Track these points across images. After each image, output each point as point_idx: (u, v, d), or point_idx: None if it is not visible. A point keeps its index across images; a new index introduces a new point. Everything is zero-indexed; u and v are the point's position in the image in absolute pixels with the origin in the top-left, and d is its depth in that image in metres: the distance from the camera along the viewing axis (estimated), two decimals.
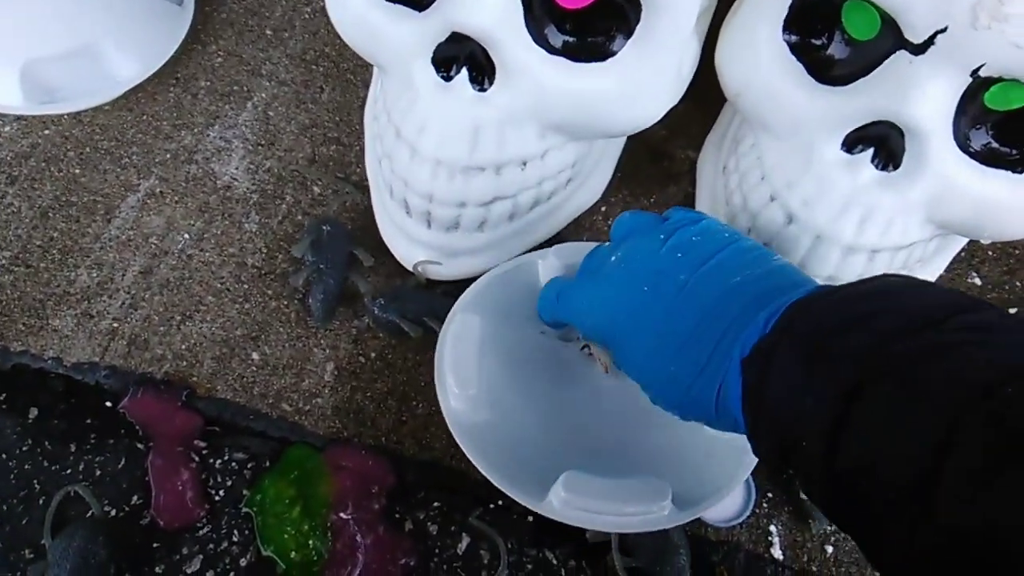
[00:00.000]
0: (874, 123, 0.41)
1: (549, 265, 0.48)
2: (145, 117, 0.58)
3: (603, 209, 0.57)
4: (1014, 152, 0.41)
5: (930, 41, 0.38)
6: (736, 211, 0.49)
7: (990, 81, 0.38)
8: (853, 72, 0.42)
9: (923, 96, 0.39)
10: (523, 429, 0.44)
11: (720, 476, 0.43)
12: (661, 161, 0.59)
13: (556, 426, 0.45)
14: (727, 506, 0.47)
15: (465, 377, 0.43)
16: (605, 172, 0.56)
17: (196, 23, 0.62)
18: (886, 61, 0.40)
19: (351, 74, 0.61)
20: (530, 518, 0.47)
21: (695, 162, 0.58)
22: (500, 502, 0.48)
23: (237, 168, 0.56)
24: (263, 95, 0.59)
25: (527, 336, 0.48)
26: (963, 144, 0.41)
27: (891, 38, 0.40)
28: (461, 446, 0.41)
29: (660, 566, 0.45)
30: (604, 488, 0.40)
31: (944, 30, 0.37)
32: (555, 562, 0.46)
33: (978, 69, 0.38)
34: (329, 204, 0.55)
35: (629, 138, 0.57)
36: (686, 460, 0.44)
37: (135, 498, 0.46)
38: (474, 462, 0.41)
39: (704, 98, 0.50)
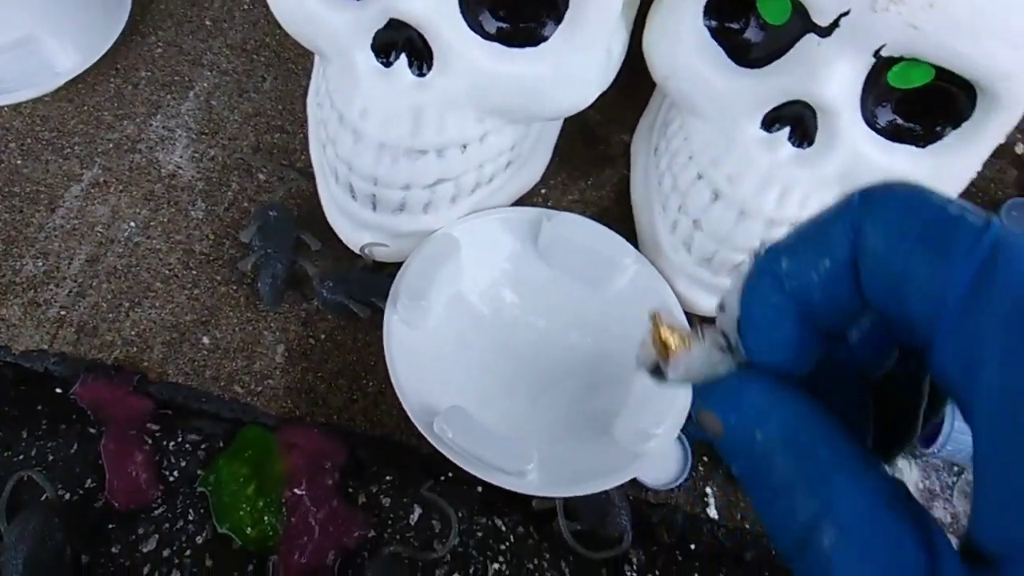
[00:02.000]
0: (789, 103, 0.44)
1: (552, 228, 0.51)
2: (86, 108, 0.58)
3: (543, 191, 0.59)
4: (916, 128, 0.45)
5: (835, 24, 0.41)
6: (667, 191, 0.52)
7: (892, 61, 0.41)
8: (768, 55, 0.45)
9: (831, 76, 0.42)
10: (452, 359, 0.48)
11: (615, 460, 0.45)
12: (597, 145, 0.61)
13: (489, 371, 0.49)
14: (665, 470, 0.50)
15: (419, 288, 0.47)
16: (543, 155, 0.58)
17: (135, 14, 0.62)
18: (797, 44, 0.43)
19: (292, 63, 0.62)
20: (479, 488, 0.49)
21: (629, 145, 0.60)
22: (450, 474, 0.50)
23: (181, 157, 0.57)
24: (205, 85, 0.60)
25: (494, 283, 0.52)
26: (870, 121, 0.44)
27: (801, 22, 0.42)
28: (387, 358, 0.46)
29: (603, 527, 0.47)
30: (477, 434, 0.43)
31: (847, 13, 0.40)
32: (504, 529, 0.48)
33: (880, 49, 0.41)
34: (275, 191, 0.56)
35: (566, 123, 0.59)
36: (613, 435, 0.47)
37: (89, 481, 0.47)
38: (390, 372, 0.45)
39: (636, 84, 0.53)
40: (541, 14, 0.44)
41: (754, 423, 0.19)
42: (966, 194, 0.62)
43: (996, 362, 0.16)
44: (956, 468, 0.52)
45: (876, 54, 0.41)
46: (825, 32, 0.41)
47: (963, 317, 0.16)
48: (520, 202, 0.57)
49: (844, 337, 0.21)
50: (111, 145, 0.57)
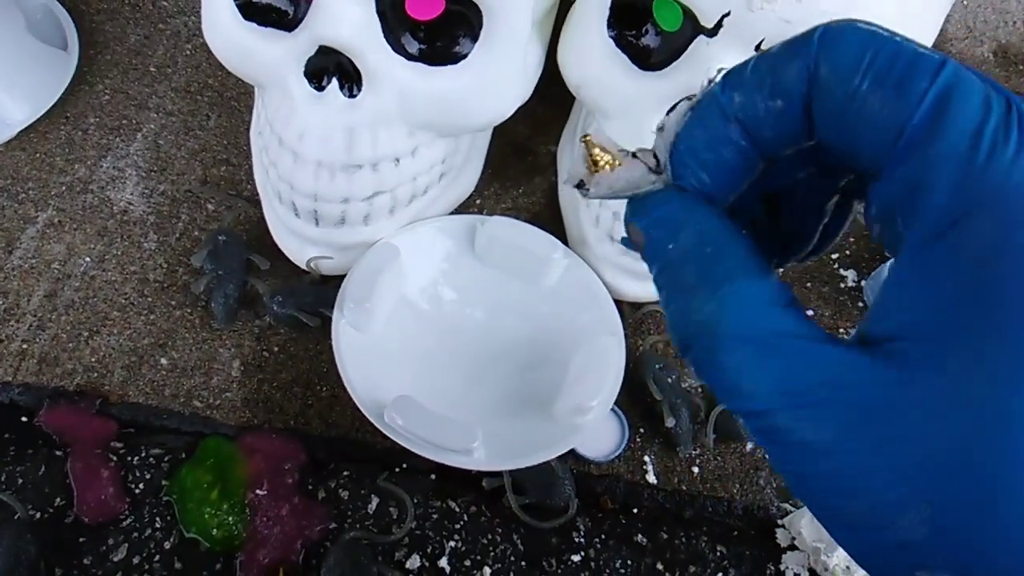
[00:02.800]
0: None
1: (487, 231, 0.56)
2: (38, 155, 0.61)
3: (478, 201, 0.63)
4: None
5: (719, 24, 0.46)
6: None
7: None
8: (667, 58, 0.50)
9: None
10: (398, 355, 0.52)
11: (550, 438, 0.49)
12: (526, 156, 0.66)
13: (433, 361, 0.53)
14: (605, 443, 0.53)
15: (363, 292, 0.51)
16: (475, 167, 0.62)
17: (82, 65, 0.66)
18: (690, 46, 0.48)
19: (235, 101, 0.65)
20: (433, 476, 0.52)
21: (555, 154, 0.65)
22: (404, 465, 0.53)
23: (132, 194, 0.60)
24: (152, 126, 0.63)
25: (434, 283, 0.57)
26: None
27: (691, 26, 0.47)
28: (337, 359, 0.49)
29: (549, 498, 0.50)
30: (424, 419, 0.47)
31: (728, 14, 0.45)
32: (457, 510, 0.51)
33: (759, 44, 0.46)
34: (223, 218, 0.59)
35: (496, 136, 0.63)
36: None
37: (58, 500, 0.49)
38: (340, 371, 0.49)
39: (559, 99, 0.58)
40: (458, 34, 0.49)
41: (668, 235, 0.21)
42: None
43: (945, 187, 0.18)
44: None
45: (757, 48, 0.46)
46: (711, 33, 0.46)
47: (916, 148, 0.18)
48: (456, 212, 0.61)
49: (775, 161, 0.22)
50: (64, 188, 0.60)
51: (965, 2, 0.78)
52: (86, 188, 0.60)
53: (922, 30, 0.48)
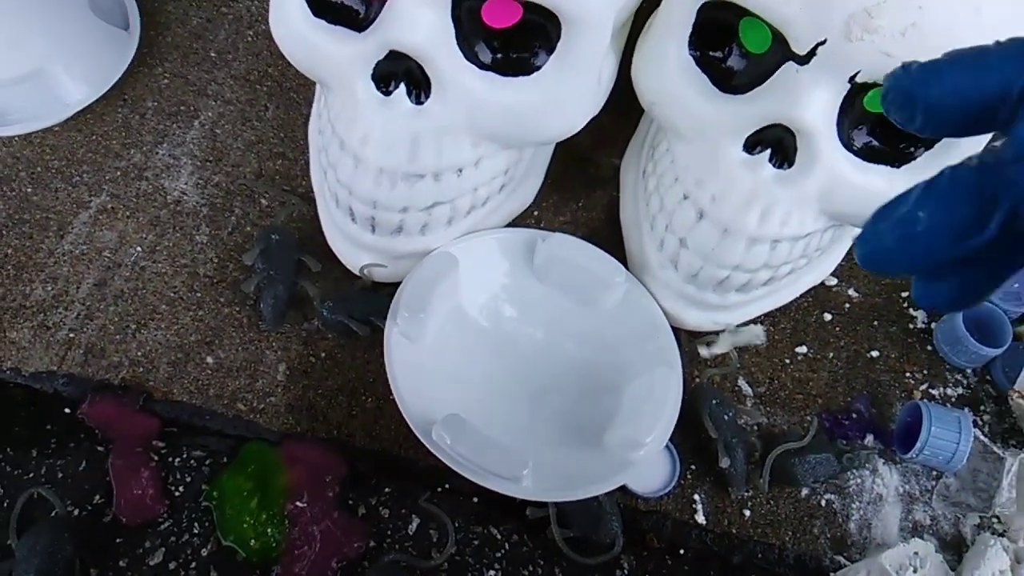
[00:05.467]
0: (770, 126, 0.46)
1: (547, 248, 0.54)
2: (95, 137, 0.60)
3: (536, 213, 0.61)
4: (891, 149, 0.47)
5: (812, 52, 0.43)
6: (655, 211, 0.54)
7: (867, 86, 0.44)
8: (750, 82, 0.47)
9: (809, 101, 0.44)
10: (451, 370, 0.51)
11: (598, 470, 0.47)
12: (588, 168, 0.64)
13: (486, 380, 0.52)
14: (654, 478, 0.51)
15: (418, 302, 0.49)
16: (536, 179, 0.60)
17: (143, 47, 0.64)
18: (777, 71, 0.46)
19: (294, 92, 0.64)
20: (475, 499, 0.51)
21: (619, 168, 0.63)
22: (447, 485, 0.51)
23: (186, 183, 0.59)
24: (209, 114, 0.62)
25: (492, 298, 0.55)
26: (847, 143, 0.46)
27: (780, 51, 0.45)
28: (388, 369, 0.48)
29: (595, 533, 0.49)
30: (474, 441, 0.45)
31: (824, 42, 0.42)
32: (499, 537, 0.49)
33: (855, 76, 0.43)
34: (277, 215, 0.58)
35: (558, 147, 0.61)
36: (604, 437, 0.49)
37: (97, 497, 0.48)
38: (391, 383, 0.47)
39: (625, 109, 0.55)
40: (534, 45, 0.47)
41: None
42: None
43: None
44: (935, 473, 0.54)
45: (851, 80, 0.43)
46: (803, 60, 0.44)
47: None
48: (514, 223, 0.59)
49: None
50: (118, 173, 0.59)
51: None
52: (141, 175, 0.59)
53: None
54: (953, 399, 0.57)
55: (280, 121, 0.63)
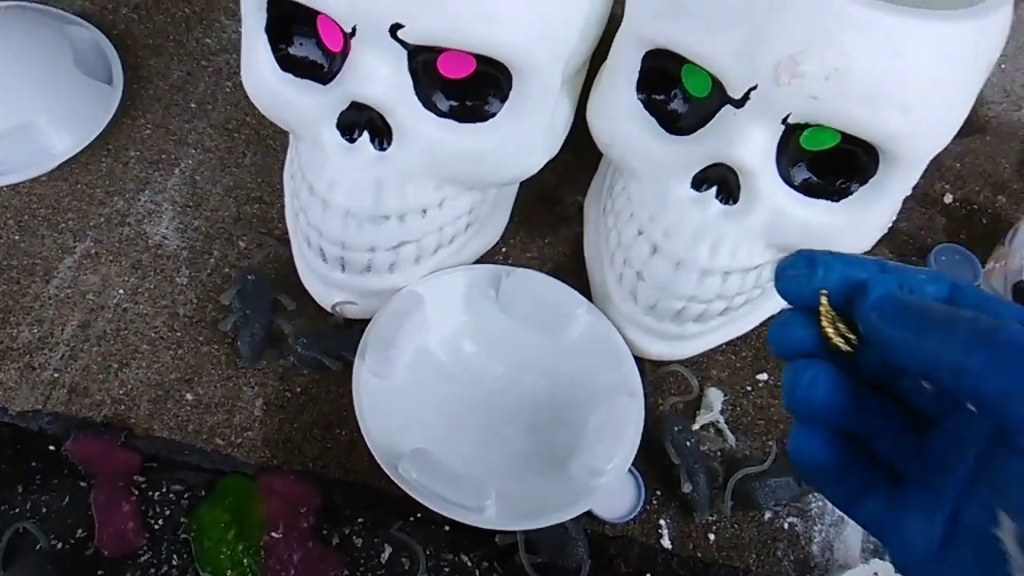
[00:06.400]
0: (714, 165, 0.49)
1: (511, 283, 0.56)
2: (79, 186, 0.63)
3: (503, 250, 0.64)
4: (830, 184, 0.50)
5: (746, 96, 0.46)
6: (614, 246, 0.57)
7: (800, 126, 0.47)
8: (693, 124, 0.50)
9: (746, 141, 0.47)
10: (417, 406, 0.53)
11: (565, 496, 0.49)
12: (553, 206, 0.66)
13: (450, 414, 0.54)
14: (620, 504, 0.53)
15: (385, 340, 0.51)
16: (502, 217, 0.63)
17: (126, 99, 0.67)
18: (717, 114, 0.48)
19: (271, 140, 0.67)
20: (447, 527, 0.53)
21: (583, 205, 0.65)
22: (419, 515, 0.53)
23: (167, 228, 0.62)
24: (190, 161, 0.65)
25: (455, 334, 0.57)
26: (787, 179, 0.49)
27: (719, 95, 0.48)
28: (356, 406, 0.50)
29: (561, 559, 0.50)
30: (438, 473, 0.47)
31: (756, 87, 0.45)
32: (470, 564, 0.51)
33: (786, 117, 0.46)
34: (254, 256, 0.61)
35: (524, 186, 0.64)
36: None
37: (80, 531, 0.50)
38: (359, 419, 0.50)
39: (588, 149, 0.58)
40: (488, 94, 0.49)
41: None
42: (900, 243, 0.67)
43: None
44: None
45: (784, 121, 0.46)
46: (739, 103, 0.46)
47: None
48: (482, 260, 0.62)
49: None
50: (102, 219, 0.62)
51: (1003, 66, 0.78)
52: (123, 220, 0.62)
53: (956, 98, 0.47)
54: None
55: (257, 167, 0.65)
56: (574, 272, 0.62)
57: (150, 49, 0.71)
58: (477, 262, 0.61)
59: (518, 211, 0.64)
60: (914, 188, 0.70)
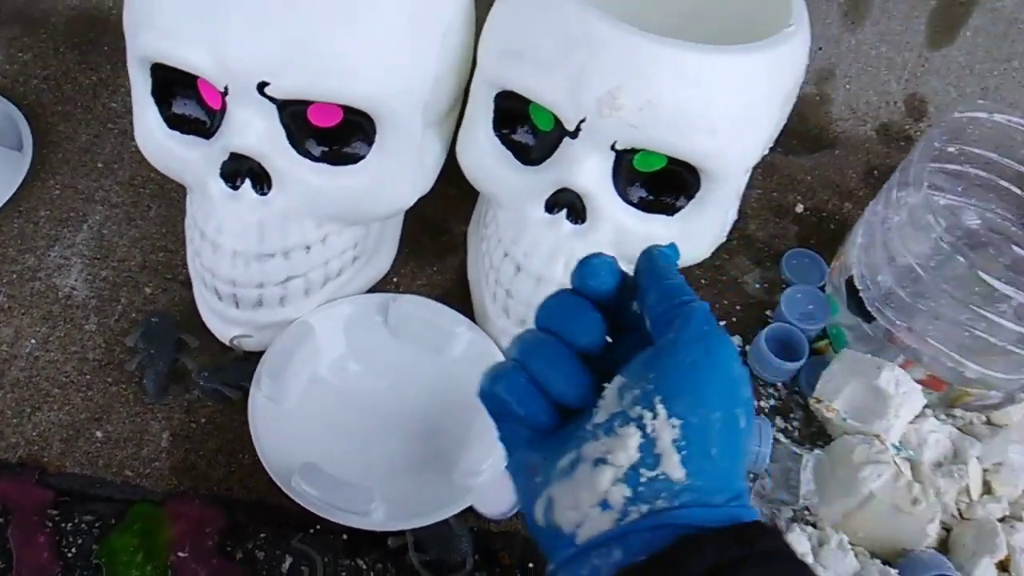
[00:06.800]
0: (561, 190, 0.56)
1: (397, 308, 0.61)
2: None
3: (395, 279, 0.69)
4: (661, 201, 0.56)
5: (578, 128, 0.52)
6: (487, 268, 0.63)
7: (629, 151, 0.53)
8: (542, 155, 0.56)
9: (583, 168, 0.53)
10: (308, 425, 0.58)
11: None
12: (441, 236, 0.72)
13: (338, 430, 0.59)
14: (502, 501, 0.58)
15: (277, 368, 0.56)
16: (390, 249, 0.68)
17: (35, 164, 0.72)
18: (560, 145, 0.55)
19: (174, 192, 0.72)
20: (344, 536, 0.57)
21: (467, 234, 0.71)
22: (318, 526, 0.57)
23: (76, 280, 0.66)
24: (97, 217, 0.70)
25: (342, 357, 0.62)
26: (626, 198, 0.56)
27: (559, 128, 0.54)
28: (251, 429, 0.55)
29: (448, 554, 0.55)
30: (326, 483, 0.52)
31: (585, 120, 0.52)
32: (365, 567, 0.56)
33: (614, 144, 0.52)
34: (159, 301, 0.65)
35: (412, 218, 0.70)
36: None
37: (0, 564, 0.54)
38: (254, 441, 0.54)
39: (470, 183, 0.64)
40: (356, 139, 0.55)
41: None
42: (756, 251, 0.74)
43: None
44: (752, 475, 0.62)
45: (613, 148, 0.53)
46: (573, 135, 0.53)
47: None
48: (374, 290, 0.67)
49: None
50: (14, 276, 0.66)
51: (848, 86, 0.86)
52: (34, 276, 0.66)
53: (758, 119, 0.54)
54: (767, 409, 0.66)
55: (162, 218, 0.70)
56: (460, 296, 0.67)
57: (59, 116, 0.76)
58: (370, 291, 0.67)
59: (408, 242, 0.70)
60: (769, 200, 0.78)
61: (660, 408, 0.30)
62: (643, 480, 0.30)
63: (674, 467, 0.30)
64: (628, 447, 0.30)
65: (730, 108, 0.52)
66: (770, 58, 0.53)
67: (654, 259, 0.36)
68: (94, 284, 0.66)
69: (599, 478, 0.30)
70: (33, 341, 0.63)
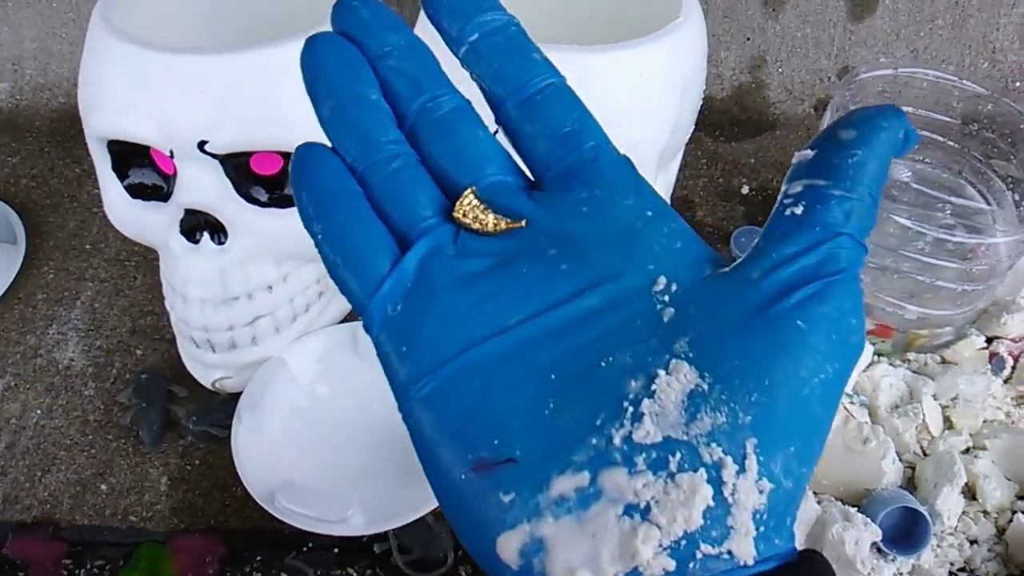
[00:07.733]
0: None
1: (365, 335, 0.65)
2: None
3: None
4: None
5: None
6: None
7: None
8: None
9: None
10: (287, 450, 0.62)
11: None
12: None
13: (313, 450, 0.63)
14: None
15: (254, 402, 0.60)
16: None
17: (30, 253, 0.79)
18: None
19: (156, 262, 0.77)
20: (336, 550, 0.61)
21: None
22: (310, 544, 0.61)
23: (74, 352, 0.72)
24: (89, 293, 0.76)
25: (312, 382, 0.66)
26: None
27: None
28: (235, 460, 0.58)
29: (430, 552, 0.58)
30: (304, 498, 0.56)
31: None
32: (355, 574, 0.59)
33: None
34: (149, 359, 0.70)
35: None
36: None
37: None
38: (238, 469, 0.58)
39: None
40: None
41: None
42: (706, 235, 0.78)
43: None
44: None
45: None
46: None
47: None
48: (347, 319, 0.72)
49: None
50: (18, 356, 0.72)
51: (780, 69, 0.90)
52: (36, 353, 0.72)
53: (660, 119, 0.58)
54: None
55: (147, 286, 0.76)
56: None
57: (48, 208, 0.83)
58: (342, 322, 0.71)
59: None
60: (716, 186, 0.81)
61: (752, 459, 0.20)
62: (698, 557, 0.20)
63: (746, 548, 0.20)
64: (692, 507, 0.20)
65: (624, 102, 0.56)
66: (639, 54, 0.56)
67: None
68: (90, 353, 0.72)
69: (634, 541, 0.20)
70: (39, 411, 0.68)
